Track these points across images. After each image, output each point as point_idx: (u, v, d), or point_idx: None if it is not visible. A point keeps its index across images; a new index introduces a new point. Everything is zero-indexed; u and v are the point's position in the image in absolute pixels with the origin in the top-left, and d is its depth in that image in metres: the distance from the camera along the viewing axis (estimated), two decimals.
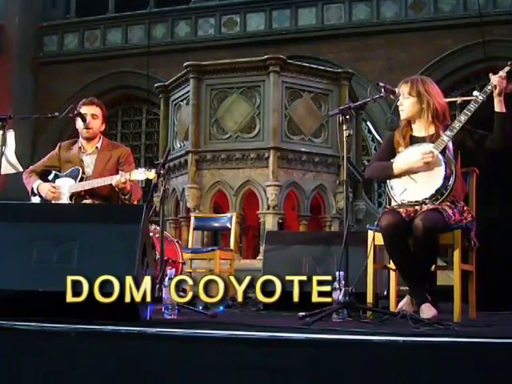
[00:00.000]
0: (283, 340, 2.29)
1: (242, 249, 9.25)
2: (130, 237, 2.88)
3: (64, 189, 4.51)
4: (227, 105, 8.53)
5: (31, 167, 4.80)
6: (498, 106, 3.52)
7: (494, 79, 3.52)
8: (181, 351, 2.30)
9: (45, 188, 4.55)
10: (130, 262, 2.80)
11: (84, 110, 4.64)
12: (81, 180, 4.53)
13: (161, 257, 4.27)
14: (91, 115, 4.64)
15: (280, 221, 8.27)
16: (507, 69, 3.63)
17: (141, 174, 4.30)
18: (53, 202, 4.52)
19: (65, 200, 4.49)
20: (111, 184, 4.39)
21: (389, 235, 3.50)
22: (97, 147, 4.68)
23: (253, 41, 13.05)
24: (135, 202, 4.53)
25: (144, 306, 2.96)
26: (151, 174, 4.26)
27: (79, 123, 4.67)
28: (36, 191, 4.58)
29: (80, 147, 4.70)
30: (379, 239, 3.61)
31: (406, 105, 3.73)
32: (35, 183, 4.60)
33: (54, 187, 4.53)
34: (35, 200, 4.63)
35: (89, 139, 4.67)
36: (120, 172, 4.43)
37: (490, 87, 3.54)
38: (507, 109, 3.52)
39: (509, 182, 4.82)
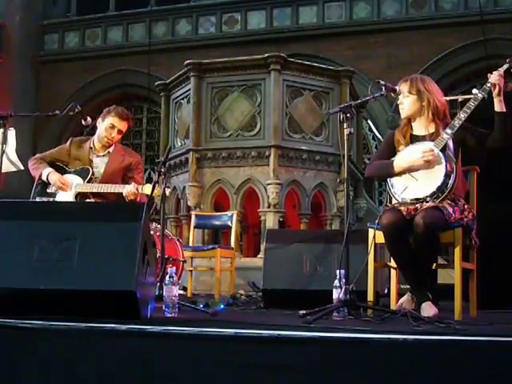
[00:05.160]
0: (284, 338, 2.29)
1: (243, 247, 9.26)
2: (130, 235, 2.88)
3: (72, 185, 4.53)
4: (228, 103, 8.54)
5: (39, 155, 4.81)
6: (498, 106, 3.51)
7: (493, 78, 3.52)
8: (181, 349, 2.30)
9: (54, 177, 4.57)
10: (131, 260, 2.80)
11: (115, 122, 4.63)
12: (89, 181, 4.54)
13: (161, 255, 4.27)
14: (118, 130, 4.66)
15: (281, 219, 8.28)
16: (506, 66, 3.62)
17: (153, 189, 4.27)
18: (58, 191, 4.55)
19: (70, 196, 4.50)
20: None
21: (389, 233, 3.50)
22: (109, 151, 4.68)
23: (253, 39, 13.04)
24: None
25: (145, 304, 2.96)
26: (156, 191, 4.20)
27: (102, 128, 4.64)
28: (45, 178, 4.59)
29: (91, 147, 4.71)
30: (380, 237, 3.61)
31: (406, 103, 3.73)
32: (46, 170, 4.62)
33: (64, 179, 4.55)
34: (38, 188, 4.64)
35: (104, 146, 4.68)
36: (133, 183, 4.43)
37: (489, 85, 3.54)
38: (507, 108, 3.52)
39: (510, 181, 4.82)
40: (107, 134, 4.63)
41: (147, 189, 4.32)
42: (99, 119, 4.70)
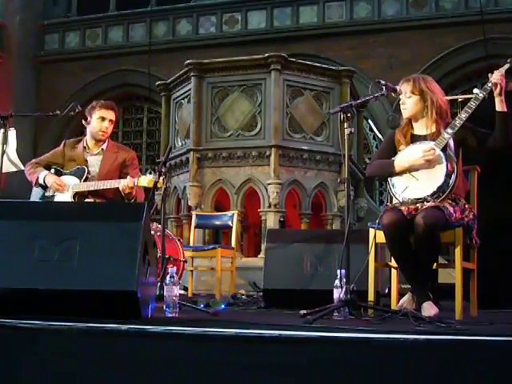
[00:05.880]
0: (284, 338, 2.29)
1: (244, 247, 9.26)
2: (131, 235, 2.88)
3: (69, 185, 4.53)
4: (228, 103, 8.54)
5: (35, 160, 4.81)
6: (500, 106, 3.51)
7: (494, 78, 3.51)
8: (182, 349, 2.30)
9: (51, 179, 4.57)
10: (132, 260, 2.80)
11: (104, 113, 4.64)
12: (85, 180, 4.54)
13: (162, 255, 4.27)
14: (109, 120, 4.67)
15: (281, 219, 8.28)
16: (507, 66, 3.62)
17: (148, 181, 4.29)
18: (56, 193, 4.54)
19: (67, 197, 4.50)
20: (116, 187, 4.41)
21: (390, 233, 3.50)
22: (102, 148, 4.68)
23: (254, 39, 13.04)
24: None
25: (145, 304, 2.96)
26: (159, 183, 4.24)
27: (93, 124, 4.65)
28: (42, 181, 4.59)
29: (85, 147, 4.71)
30: (380, 237, 3.61)
31: (409, 103, 3.71)
32: (42, 173, 4.62)
33: (61, 180, 4.55)
34: (36, 191, 4.64)
35: (99, 141, 4.67)
36: (128, 177, 4.43)
37: (490, 84, 3.53)
38: (508, 107, 3.52)
39: (510, 180, 4.82)
40: (100, 127, 4.63)
41: (143, 181, 4.33)
42: (87, 119, 4.69)
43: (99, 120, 4.63)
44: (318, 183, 8.56)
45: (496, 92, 3.49)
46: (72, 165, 4.65)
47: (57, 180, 4.55)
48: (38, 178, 4.61)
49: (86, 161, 4.65)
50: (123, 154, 4.72)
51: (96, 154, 4.67)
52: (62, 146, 4.80)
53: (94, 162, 4.64)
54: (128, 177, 4.44)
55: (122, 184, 4.37)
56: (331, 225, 8.66)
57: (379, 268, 3.93)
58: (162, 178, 4.18)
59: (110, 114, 4.68)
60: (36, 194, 4.67)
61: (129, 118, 14.76)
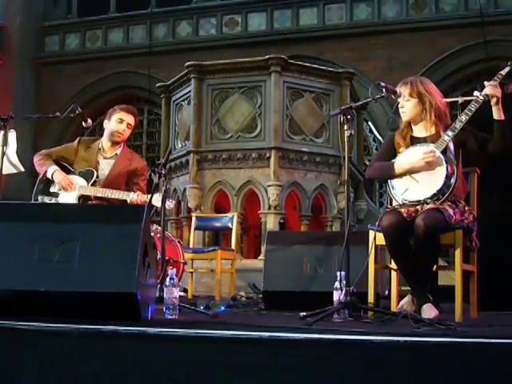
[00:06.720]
0: (284, 340, 2.29)
1: (243, 249, 9.25)
2: (131, 237, 2.88)
3: (76, 186, 4.52)
4: (228, 105, 8.55)
5: (45, 151, 4.77)
6: (497, 114, 3.49)
7: (488, 90, 3.49)
8: (182, 351, 2.30)
9: (60, 176, 4.54)
10: (131, 262, 2.80)
11: (123, 116, 4.67)
12: (93, 183, 4.53)
13: (162, 257, 4.26)
14: (127, 124, 4.68)
15: (281, 221, 8.28)
16: (507, 69, 3.62)
17: (157, 201, 4.25)
18: (61, 191, 4.54)
19: (73, 197, 4.48)
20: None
21: (390, 235, 3.50)
22: (116, 153, 4.68)
23: (254, 41, 13.05)
24: None
25: (145, 305, 2.96)
26: (170, 205, 4.27)
27: (111, 125, 4.65)
28: (50, 176, 4.57)
29: (100, 148, 4.70)
30: (380, 239, 3.60)
31: (408, 107, 3.70)
32: (51, 168, 4.58)
33: (70, 180, 4.53)
34: (40, 188, 4.62)
35: (115, 143, 4.67)
36: (138, 192, 4.44)
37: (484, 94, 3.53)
38: (506, 114, 3.51)
39: (510, 182, 4.81)
40: (118, 129, 4.63)
41: (153, 200, 4.31)
42: (105, 120, 4.70)
43: (117, 122, 4.64)
44: (317, 185, 8.57)
45: (492, 102, 3.48)
46: (82, 164, 4.62)
47: (65, 179, 4.51)
48: (46, 171, 4.58)
49: (98, 163, 4.63)
50: (136, 162, 4.73)
51: (109, 158, 4.66)
52: (76, 142, 4.77)
53: (106, 166, 4.63)
54: (138, 192, 4.44)
55: (131, 197, 4.38)
56: (331, 227, 8.66)
57: (379, 270, 3.92)
58: (172, 202, 4.21)
59: (130, 118, 4.68)
60: (39, 190, 4.63)
61: None
